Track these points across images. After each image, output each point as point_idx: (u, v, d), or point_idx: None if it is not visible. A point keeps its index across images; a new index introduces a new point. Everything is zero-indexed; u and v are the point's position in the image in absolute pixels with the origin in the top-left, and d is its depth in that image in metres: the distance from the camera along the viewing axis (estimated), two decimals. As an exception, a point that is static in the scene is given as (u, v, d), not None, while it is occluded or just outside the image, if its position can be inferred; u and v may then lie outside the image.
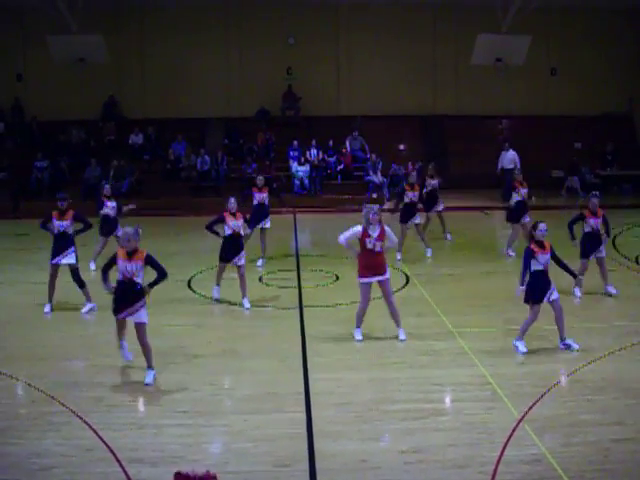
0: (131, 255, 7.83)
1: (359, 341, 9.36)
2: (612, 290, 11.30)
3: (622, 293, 11.33)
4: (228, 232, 10.96)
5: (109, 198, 13.69)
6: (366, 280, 9.26)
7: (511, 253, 14.57)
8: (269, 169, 23.93)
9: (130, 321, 8.01)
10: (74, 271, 10.90)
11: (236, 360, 8.77)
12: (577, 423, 6.72)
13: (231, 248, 10.96)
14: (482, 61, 23.00)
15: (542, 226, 8.76)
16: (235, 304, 11.12)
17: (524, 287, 8.74)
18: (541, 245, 8.73)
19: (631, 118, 27.65)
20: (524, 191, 14.40)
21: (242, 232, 11.07)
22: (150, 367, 7.99)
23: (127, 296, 7.85)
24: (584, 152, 26.32)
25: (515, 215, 14.47)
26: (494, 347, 8.97)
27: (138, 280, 7.89)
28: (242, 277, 11.00)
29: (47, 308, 10.88)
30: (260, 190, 13.84)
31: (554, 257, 8.85)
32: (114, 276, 8.10)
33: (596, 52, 26.71)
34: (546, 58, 27.13)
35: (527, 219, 14.23)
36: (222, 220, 11.00)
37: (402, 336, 9.38)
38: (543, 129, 26.48)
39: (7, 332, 9.86)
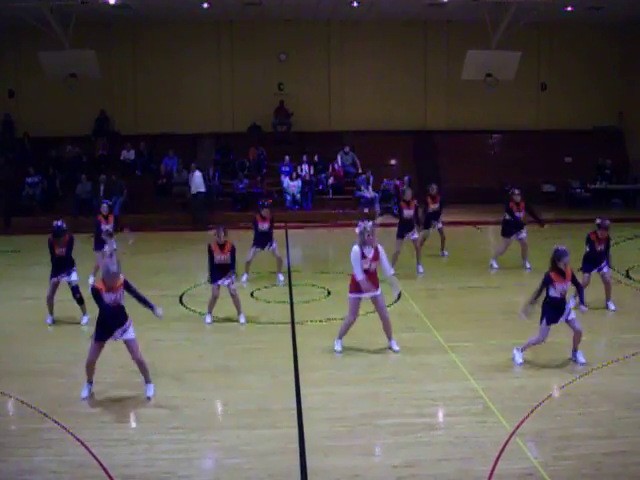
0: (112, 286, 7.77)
1: (338, 352, 9.41)
2: (611, 306, 11.35)
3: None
4: (215, 262, 10.79)
5: (106, 218, 13.61)
6: (355, 295, 9.31)
7: (494, 265, 14.69)
8: (261, 184, 23.99)
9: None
10: (74, 288, 10.94)
11: (228, 375, 8.74)
12: (569, 436, 6.73)
13: (219, 274, 10.81)
14: (472, 76, 23.16)
15: (566, 259, 8.36)
16: (226, 320, 11.09)
17: (530, 308, 8.66)
18: (562, 274, 8.44)
19: (621, 132, 27.91)
20: (518, 215, 14.30)
21: (229, 261, 10.80)
22: (149, 382, 7.98)
23: (117, 317, 7.82)
24: (574, 166, 26.51)
25: (506, 231, 14.53)
26: (486, 361, 8.97)
27: (122, 303, 7.89)
28: (234, 297, 10.91)
29: (49, 320, 10.94)
30: (264, 220, 13.69)
31: (574, 282, 8.60)
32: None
33: (585, 67, 27.06)
34: (536, 73, 27.44)
35: (523, 235, 14.36)
36: (211, 254, 10.76)
37: (395, 347, 9.43)
38: (533, 144, 26.69)
39: (-2, 348, 9.81)
